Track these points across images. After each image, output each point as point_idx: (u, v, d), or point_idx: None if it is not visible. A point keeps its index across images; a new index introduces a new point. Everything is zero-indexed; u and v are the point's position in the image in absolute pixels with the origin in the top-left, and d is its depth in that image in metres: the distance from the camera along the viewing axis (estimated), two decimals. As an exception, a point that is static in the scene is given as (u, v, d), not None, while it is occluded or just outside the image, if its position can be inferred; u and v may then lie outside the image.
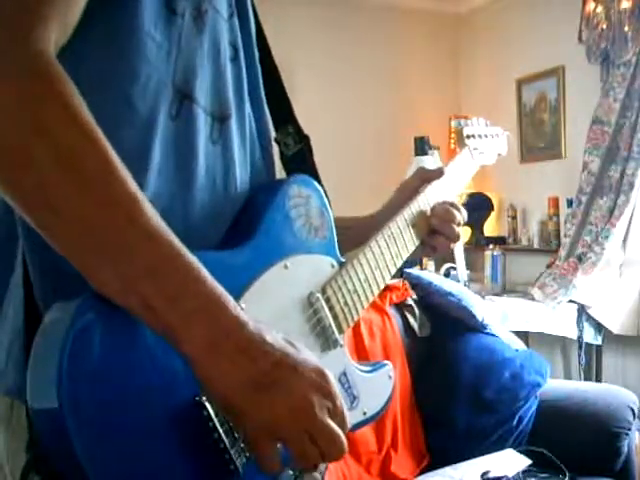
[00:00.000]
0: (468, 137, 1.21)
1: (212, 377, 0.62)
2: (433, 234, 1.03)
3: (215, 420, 0.66)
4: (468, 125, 1.23)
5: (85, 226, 0.59)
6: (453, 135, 4.22)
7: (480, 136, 1.24)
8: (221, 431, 0.66)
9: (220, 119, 0.78)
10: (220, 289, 0.63)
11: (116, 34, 0.69)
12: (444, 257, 3.60)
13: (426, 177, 1.07)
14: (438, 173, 1.08)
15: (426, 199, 1.03)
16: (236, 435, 0.67)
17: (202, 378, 0.62)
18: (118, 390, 0.61)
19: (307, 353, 0.67)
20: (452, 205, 1.04)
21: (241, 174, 0.82)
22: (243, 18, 0.84)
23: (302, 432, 0.63)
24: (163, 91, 0.72)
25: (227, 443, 0.67)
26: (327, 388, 0.66)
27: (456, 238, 1.03)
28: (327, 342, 0.84)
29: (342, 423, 0.66)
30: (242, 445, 0.68)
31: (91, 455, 0.58)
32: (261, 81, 0.88)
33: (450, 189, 1.10)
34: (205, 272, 0.63)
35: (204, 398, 0.65)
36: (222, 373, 0.61)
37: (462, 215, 1.04)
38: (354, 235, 0.95)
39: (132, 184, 0.61)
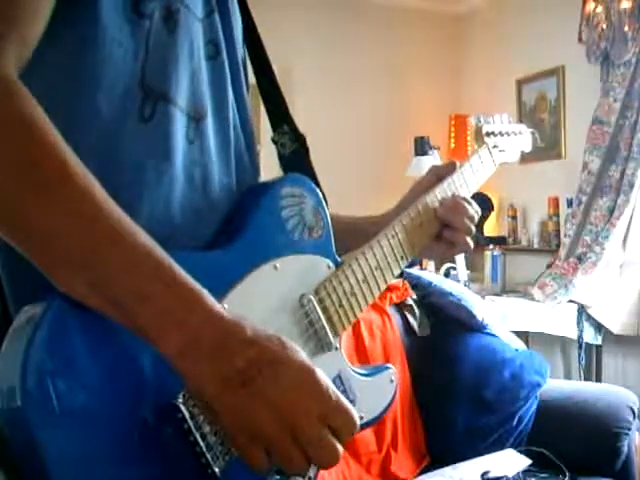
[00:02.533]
0: (488, 135, 1.15)
1: (190, 376, 0.60)
2: (448, 230, 0.98)
3: (190, 423, 0.63)
4: (489, 122, 1.16)
5: (46, 232, 0.58)
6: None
7: (501, 134, 1.17)
8: (197, 435, 0.64)
9: (196, 118, 0.77)
10: (194, 287, 0.62)
11: (80, 40, 0.68)
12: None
13: (439, 173, 1.03)
14: (450, 168, 1.04)
15: (436, 197, 0.99)
16: (212, 439, 0.65)
17: (182, 377, 0.61)
18: (85, 390, 0.59)
19: (293, 349, 0.63)
20: (463, 199, 1.00)
21: (221, 173, 0.81)
22: (225, 15, 0.82)
23: (284, 434, 0.59)
24: (130, 94, 0.71)
25: (203, 447, 0.64)
26: (314, 386, 0.61)
27: (467, 230, 0.98)
28: (319, 345, 0.81)
29: (341, 421, 0.61)
30: (220, 449, 0.65)
31: (55, 458, 0.56)
32: (243, 79, 0.87)
33: (464, 188, 1.05)
34: (177, 270, 0.61)
35: (179, 400, 0.63)
36: (198, 372, 0.60)
37: (474, 209, 0.99)
38: (363, 235, 0.92)
39: (94, 187, 0.60)
